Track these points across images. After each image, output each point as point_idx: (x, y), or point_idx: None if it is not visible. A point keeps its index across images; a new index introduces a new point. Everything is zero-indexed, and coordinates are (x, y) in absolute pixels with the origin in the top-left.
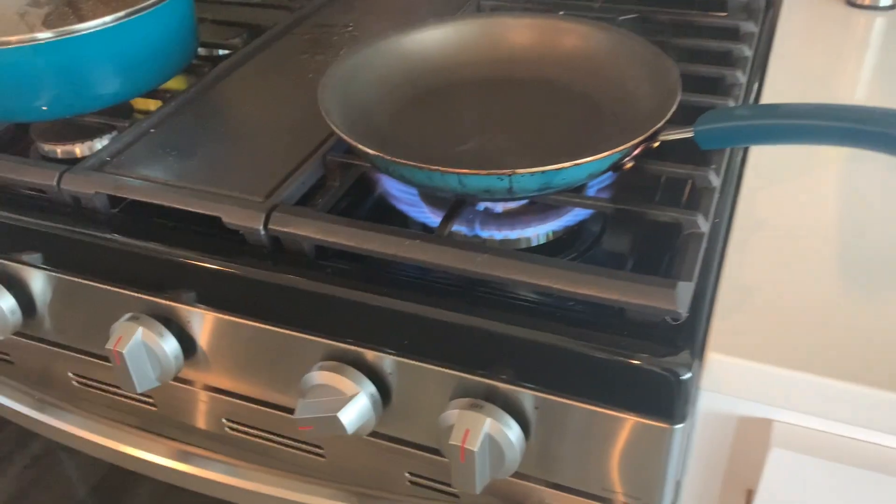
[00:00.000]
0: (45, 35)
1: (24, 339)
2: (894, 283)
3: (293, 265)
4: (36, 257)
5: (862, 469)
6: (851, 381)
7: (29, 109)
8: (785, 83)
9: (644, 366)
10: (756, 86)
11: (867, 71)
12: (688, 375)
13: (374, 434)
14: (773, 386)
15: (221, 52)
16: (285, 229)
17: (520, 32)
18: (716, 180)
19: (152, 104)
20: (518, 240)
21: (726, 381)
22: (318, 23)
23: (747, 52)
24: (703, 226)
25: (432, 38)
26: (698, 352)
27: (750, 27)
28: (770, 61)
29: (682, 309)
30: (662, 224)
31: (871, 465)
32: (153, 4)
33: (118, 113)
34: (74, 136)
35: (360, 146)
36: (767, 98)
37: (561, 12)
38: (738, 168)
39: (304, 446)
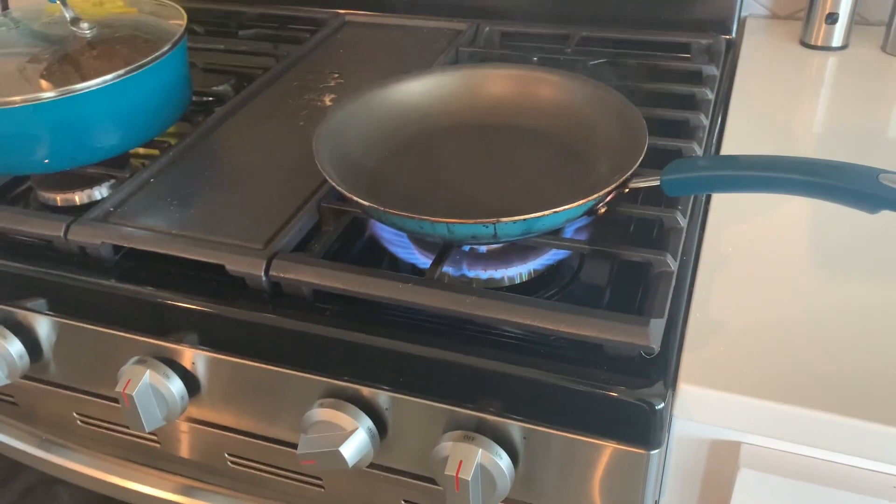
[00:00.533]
0: (48, 94)
1: (30, 383)
2: (851, 314)
3: (292, 308)
4: (42, 304)
5: (824, 486)
6: (811, 408)
7: (31, 163)
8: (745, 123)
9: (621, 397)
10: (718, 126)
11: (820, 108)
12: (661, 405)
13: (371, 465)
14: (739, 413)
15: (210, 98)
16: (286, 275)
17: (498, 82)
18: (682, 221)
19: (148, 151)
20: (502, 278)
21: (696, 410)
22: (305, 69)
23: (709, 94)
24: (672, 265)
25: (415, 90)
26: (671, 383)
27: (712, 70)
28: (731, 101)
29: (655, 344)
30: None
31: (832, 483)
32: (152, 61)
33: (115, 162)
34: (73, 185)
35: (356, 198)
36: (729, 138)
37: (535, 58)
38: (703, 207)
39: (304, 478)
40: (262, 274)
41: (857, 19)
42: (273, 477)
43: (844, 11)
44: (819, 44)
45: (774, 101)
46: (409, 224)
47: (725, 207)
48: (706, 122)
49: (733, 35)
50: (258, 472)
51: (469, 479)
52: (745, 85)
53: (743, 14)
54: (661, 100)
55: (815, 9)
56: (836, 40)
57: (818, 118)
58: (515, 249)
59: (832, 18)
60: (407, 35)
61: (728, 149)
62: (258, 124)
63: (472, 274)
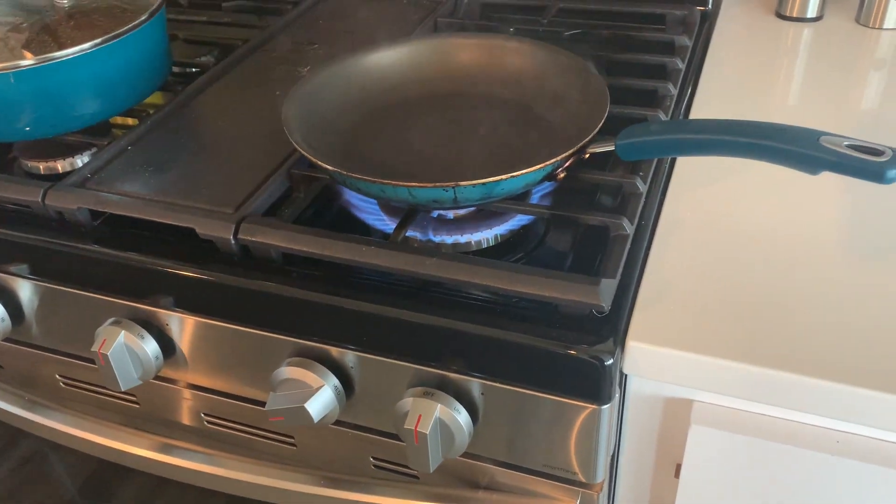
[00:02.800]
0: (27, 62)
1: (13, 345)
2: (798, 275)
3: (262, 271)
4: (23, 268)
5: (772, 441)
6: (756, 365)
7: (13, 131)
8: (715, 93)
9: (572, 354)
10: (688, 96)
11: (791, 77)
12: (610, 361)
13: (339, 423)
14: (685, 369)
15: (194, 69)
16: (253, 238)
17: (468, 51)
18: (642, 186)
19: (129, 121)
20: (468, 243)
21: (645, 366)
22: (284, 40)
23: (680, 64)
24: (629, 228)
25: (388, 58)
26: (620, 340)
27: (684, 41)
28: (703, 72)
29: (606, 303)
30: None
31: (779, 438)
32: (129, 30)
33: (97, 131)
34: (56, 153)
35: (320, 162)
36: (697, 106)
37: (511, 29)
38: (666, 173)
39: (276, 436)
40: (231, 237)
41: None
42: (247, 436)
43: None
44: (794, 15)
45: (746, 70)
46: (373, 188)
47: (687, 173)
48: (674, 91)
49: (709, 6)
50: (233, 432)
51: (427, 432)
52: (718, 55)
53: None
54: (632, 70)
55: None
56: (811, 11)
57: (788, 87)
58: (482, 215)
59: None
60: (387, 6)
61: (696, 116)
62: (236, 94)
63: (437, 239)
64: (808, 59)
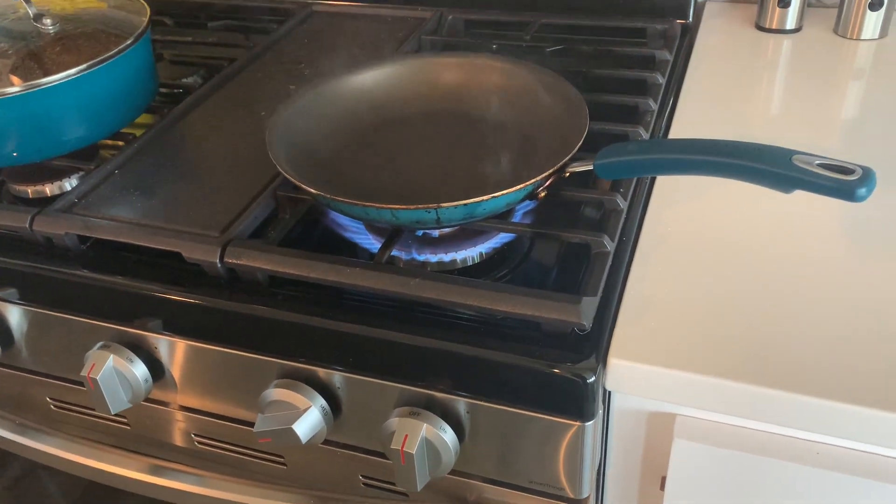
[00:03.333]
0: (14, 89)
1: (3, 369)
2: (777, 291)
3: (248, 293)
4: (11, 293)
5: (753, 454)
6: (737, 380)
7: (0, 156)
8: (696, 106)
9: (555, 372)
10: (668, 110)
11: (771, 89)
12: (592, 379)
13: (328, 442)
14: (667, 386)
15: (180, 90)
16: (239, 262)
17: (451, 71)
18: (622, 203)
19: (116, 142)
20: (453, 261)
21: (627, 383)
22: (270, 60)
23: (660, 79)
24: (609, 245)
25: (372, 78)
26: (602, 357)
27: (665, 55)
28: (684, 85)
29: (587, 321)
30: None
31: (761, 451)
32: (115, 54)
33: (84, 154)
34: (44, 177)
35: (304, 186)
36: (678, 121)
37: (494, 45)
38: (646, 189)
39: (266, 456)
40: (217, 260)
41: (811, 2)
42: (238, 456)
43: None
44: (773, 27)
45: (726, 83)
46: (356, 210)
47: (667, 189)
48: (654, 106)
49: (689, 20)
50: (223, 452)
51: (414, 452)
52: (699, 68)
53: None
54: (613, 85)
55: None
56: (790, 23)
57: (769, 99)
58: (465, 233)
59: (784, 2)
60: (372, 24)
61: (676, 132)
62: (222, 115)
63: (422, 258)
64: (788, 70)
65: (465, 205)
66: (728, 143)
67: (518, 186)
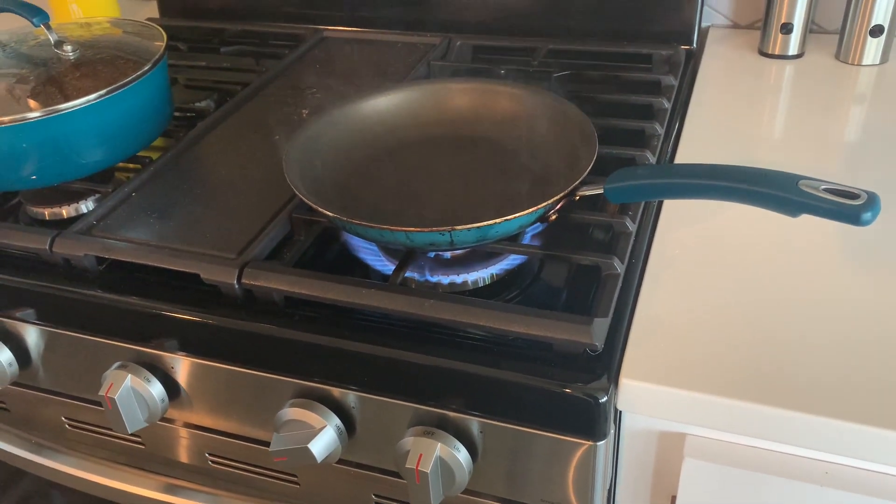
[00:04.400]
0: (34, 114)
1: (19, 388)
2: (787, 311)
3: (264, 314)
4: (30, 314)
5: (762, 473)
6: (747, 400)
7: (20, 180)
8: (701, 131)
9: (567, 392)
10: (674, 134)
11: (773, 114)
12: (604, 399)
13: (342, 461)
14: (678, 405)
15: (194, 114)
16: (257, 283)
17: (462, 96)
18: (631, 226)
19: (131, 164)
20: (464, 283)
21: (638, 403)
22: (282, 85)
23: (666, 104)
24: (619, 267)
25: (384, 104)
26: (614, 377)
27: (670, 80)
28: (689, 110)
29: (598, 342)
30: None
31: (770, 469)
32: (133, 80)
33: (101, 176)
34: (61, 199)
35: (321, 209)
36: (684, 145)
37: (502, 70)
38: (654, 211)
39: (280, 475)
40: (235, 282)
41: (813, 28)
42: (251, 475)
43: (799, 21)
44: (776, 52)
45: (730, 108)
46: (371, 233)
47: (676, 211)
48: (661, 130)
49: (693, 46)
50: (237, 471)
51: (428, 471)
52: (703, 94)
53: (706, 24)
54: (620, 110)
55: (772, 19)
56: (792, 49)
57: (772, 124)
58: (477, 254)
59: (787, 28)
60: (381, 49)
61: (682, 155)
62: (236, 139)
63: (434, 279)
64: (791, 96)
65: (478, 227)
66: (736, 168)
67: (530, 209)
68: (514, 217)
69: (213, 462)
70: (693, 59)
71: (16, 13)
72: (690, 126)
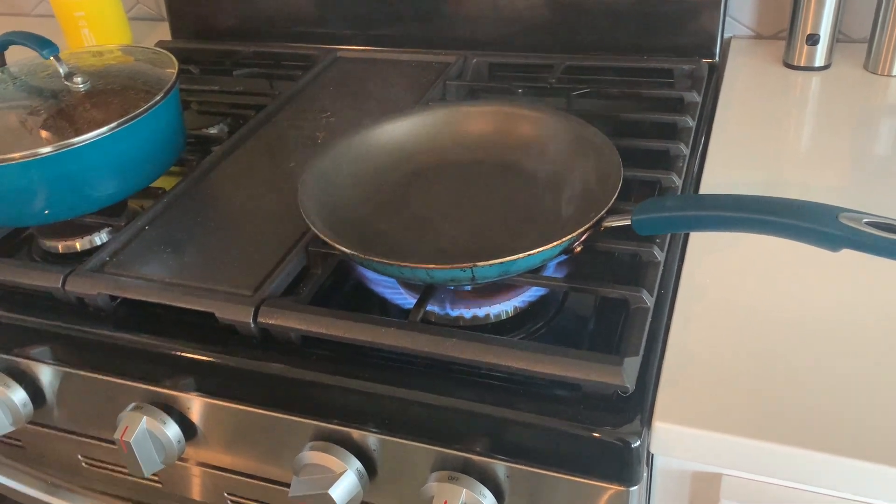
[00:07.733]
0: (45, 150)
1: (35, 427)
2: (828, 349)
3: (281, 353)
4: (43, 353)
5: None
6: (786, 444)
7: (32, 215)
8: (727, 149)
9: (597, 436)
10: (700, 153)
11: (802, 130)
12: (637, 443)
13: None
14: (715, 449)
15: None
16: (273, 322)
17: (480, 120)
18: (659, 255)
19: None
20: (486, 316)
21: (673, 447)
22: (296, 108)
23: (690, 122)
24: (648, 300)
25: (400, 129)
26: (646, 420)
27: (693, 97)
28: (714, 127)
29: (630, 383)
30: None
31: None
32: (145, 111)
33: (113, 208)
34: (73, 232)
35: (339, 246)
36: (709, 166)
37: (520, 90)
38: (682, 237)
39: None
40: (251, 321)
41: (839, 37)
42: None
43: (825, 32)
44: (802, 64)
45: (756, 125)
46: (390, 270)
47: (704, 237)
48: (686, 151)
49: (716, 58)
50: None
51: None
52: (728, 110)
53: (728, 34)
54: (642, 130)
55: (797, 29)
56: (819, 60)
57: (800, 140)
58: (499, 287)
59: (813, 40)
60: (396, 69)
61: (708, 178)
62: (250, 167)
63: (455, 313)
64: (818, 110)
65: (500, 263)
66: (770, 199)
67: (554, 243)
68: (538, 252)
69: (232, 502)
70: (716, 72)
71: (26, 46)
72: (716, 145)
